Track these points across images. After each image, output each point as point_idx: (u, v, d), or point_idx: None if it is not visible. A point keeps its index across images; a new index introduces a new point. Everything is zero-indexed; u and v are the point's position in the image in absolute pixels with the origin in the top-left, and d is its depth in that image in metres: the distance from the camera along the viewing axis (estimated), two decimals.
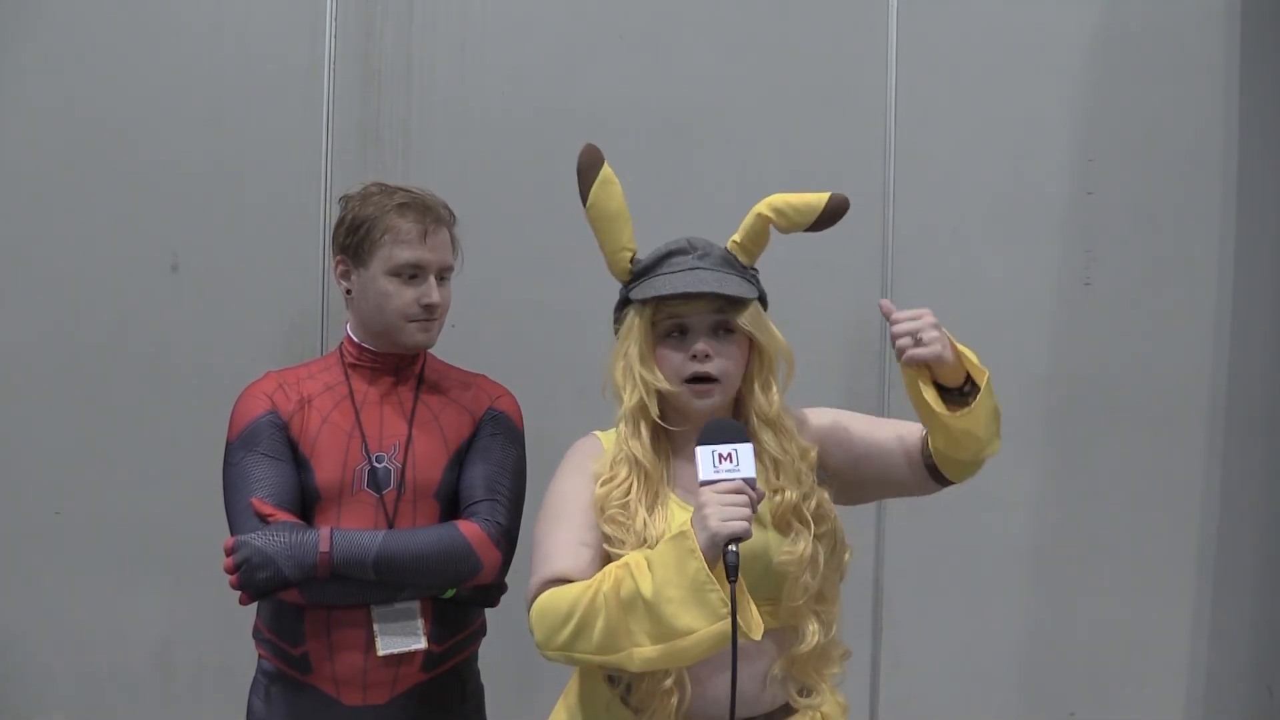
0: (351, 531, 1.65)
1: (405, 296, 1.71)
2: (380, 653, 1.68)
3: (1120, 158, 2.69)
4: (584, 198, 1.52)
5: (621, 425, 1.52)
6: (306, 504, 1.71)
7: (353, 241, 1.72)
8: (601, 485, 1.49)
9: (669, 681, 1.43)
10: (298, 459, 1.71)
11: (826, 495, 1.52)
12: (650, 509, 1.47)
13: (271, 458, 1.69)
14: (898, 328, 1.40)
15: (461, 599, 1.73)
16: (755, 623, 1.31)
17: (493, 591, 1.78)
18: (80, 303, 2.57)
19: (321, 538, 1.62)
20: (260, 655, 1.79)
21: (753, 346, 1.53)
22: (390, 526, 1.70)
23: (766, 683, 1.47)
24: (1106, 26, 2.69)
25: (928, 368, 1.41)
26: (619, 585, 1.34)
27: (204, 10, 2.58)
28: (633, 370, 1.50)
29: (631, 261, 1.54)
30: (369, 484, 1.71)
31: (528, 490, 1.79)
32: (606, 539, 1.46)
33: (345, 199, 1.77)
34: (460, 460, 1.76)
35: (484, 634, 1.87)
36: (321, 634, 1.69)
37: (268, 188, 2.58)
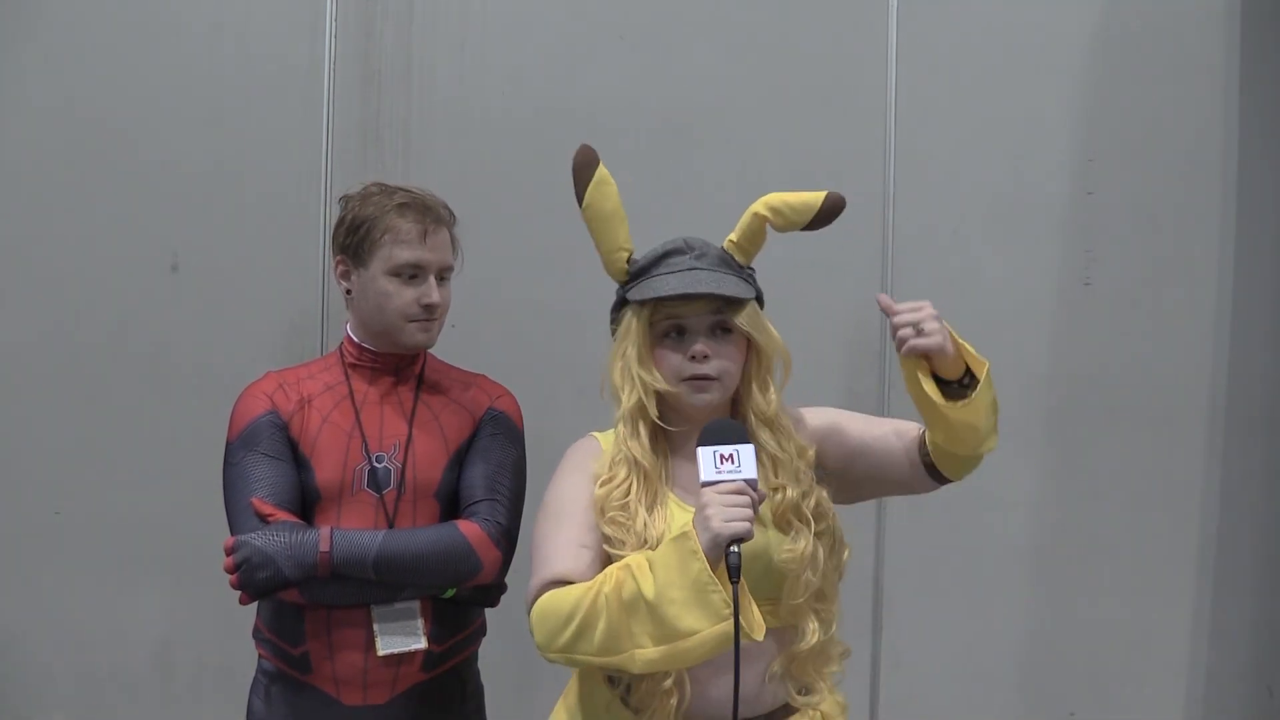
0: (351, 531, 1.65)
1: (405, 296, 1.71)
2: (380, 652, 1.68)
3: (1120, 158, 2.69)
4: (580, 198, 1.52)
5: (620, 426, 1.52)
6: (306, 504, 1.71)
7: (353, 241, 1.72)
8: (601, 486, 1.49)
9: (669, 682, 1.43)
10: (298, 459, 1.71)
11: (825, 493, 1.52)
12: (650, 509, 1.47)
13: (271, 457, 1.69)
14: (899, 319, 1.40)
15: (461, 599, 1.73)
16: (757, 623, 1.31)
17: (493, 591, 1.78)
18: (80, 303, 2.57)
19: (321, 537, 1.62)
20: (260, 655, 1.79)
21: (750, 346, 1.53)
22: (390, 526, 1.70)
23: (766, 681, 1.47)
24: (1106, 26, 2.69)
25: (927, 360, 1.41)
26: (620, 587, 1.34)
27: (204, 10, 2.58)
28: (631, 371, 1.50)
29: (628, 262, 1.54)
30: (369, 484, 1.71)
31: (527, 490, 1.79)
32: (606, 540, 1.46)
33: (345, 199, 1.77)
34: (460, 460, 1.76)
35: (484, 634, 1.87)
36: (321, 634, 1.69)
37: (268, 188, 2.58)
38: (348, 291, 1.76)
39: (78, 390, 2.57)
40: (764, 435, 1.50)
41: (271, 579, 1.60)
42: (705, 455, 1.34)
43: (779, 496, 1.48)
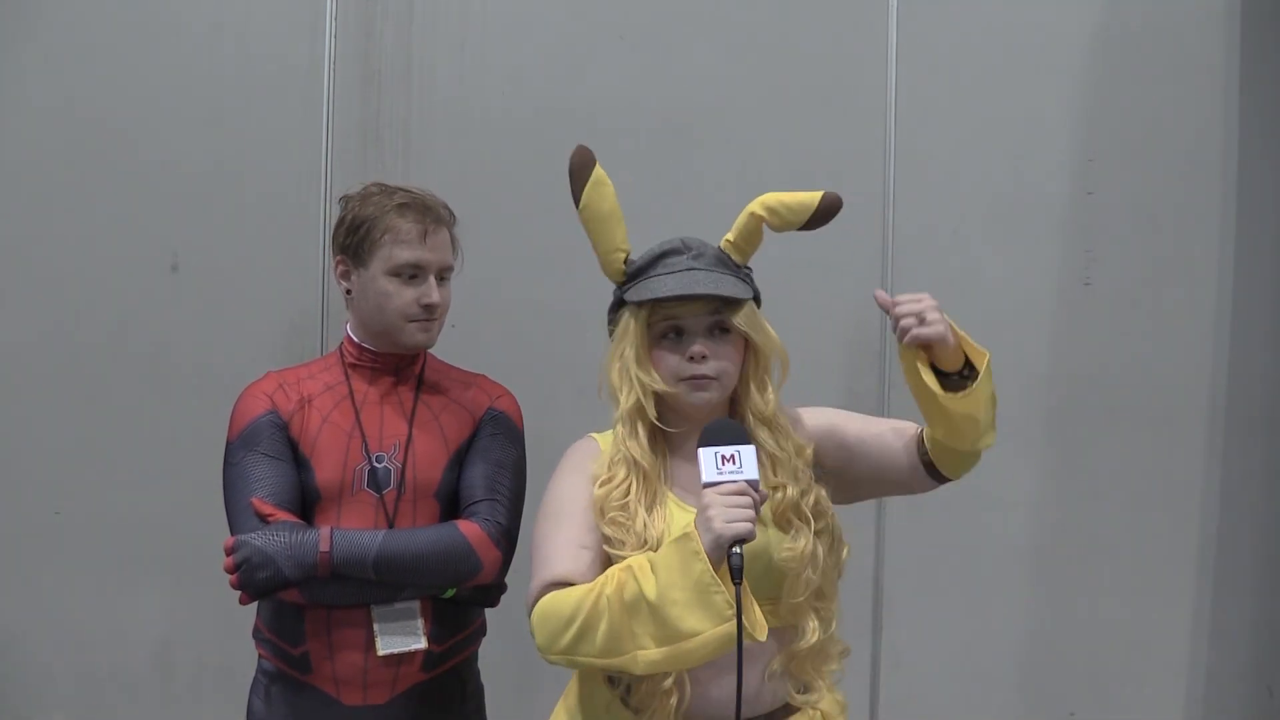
0: (351, 531, 1.65)
1: (405, 296, 1.71)
2: (380, 652, 1.68)
3: (1120, 158, 2.69)
4: (576, 199, 1.52)
5: (619, 426, 1.52)
6: (306, 504, 1.71)
7: (353, 241, 1.72)
8: (600, 486, 1.49)
9: (668, 682, 1.43)
10: (298, 459, 1.71)
11: (824, 491, 1.52)
12: (649, 509, 1.47)
13: (271, 457, 1.69)
14: (901, 309, 1.40)
15: (461, 599, 1.73)
16: (760, 624, 1.32)
17: (493, 591, 1.78)
18: (80, 303, 2.57)
19: (321, 537, 1.62)
20: (260, 655, 1.79)
21: (748, 346, 1.53)
22: (390, 526, 1.70)
23: (766, 680, 1.48)
24: (1106, 26, 2.69)
25: (926, 352, 1.41)
26: (622, 588, 1.34)
27: (204, 10, 2.58)
28: (629, 372, 1.50)
29: (625, 262, 1.54)
30: (369, 484, 1.71)
31: (527, 490, 1.79)
32: (606, 540, 1.45)
33: (345, 199, 1.77)
34: (460, 460, 1.76)
35: (484, 634, 1.87)
36: (321, 634, 1.69)
37: (268, 188, 2.58)
38: (348, 291, 1.76)
39: (78, 390, 2.57)
40: (762, 434, 1.50)
41: (271, 579, 1.60)
42: (706, 456, 1.34)
43: (778, 495, 1.48)
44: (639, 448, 1.49)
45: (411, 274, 1.71)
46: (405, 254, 1.69)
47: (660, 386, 1.49)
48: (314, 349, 2.54)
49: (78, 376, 2.57)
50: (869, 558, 2.66)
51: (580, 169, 1.51)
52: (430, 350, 1.82)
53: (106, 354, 2.57)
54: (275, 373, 1.79)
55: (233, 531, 1.66)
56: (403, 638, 1.69)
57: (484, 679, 1.89)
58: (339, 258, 1.76)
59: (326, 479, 1.70)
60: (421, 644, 1.70)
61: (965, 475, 1.56)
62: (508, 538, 1.73)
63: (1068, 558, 2.70)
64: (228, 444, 1.73)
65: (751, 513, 1.30)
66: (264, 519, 1.63)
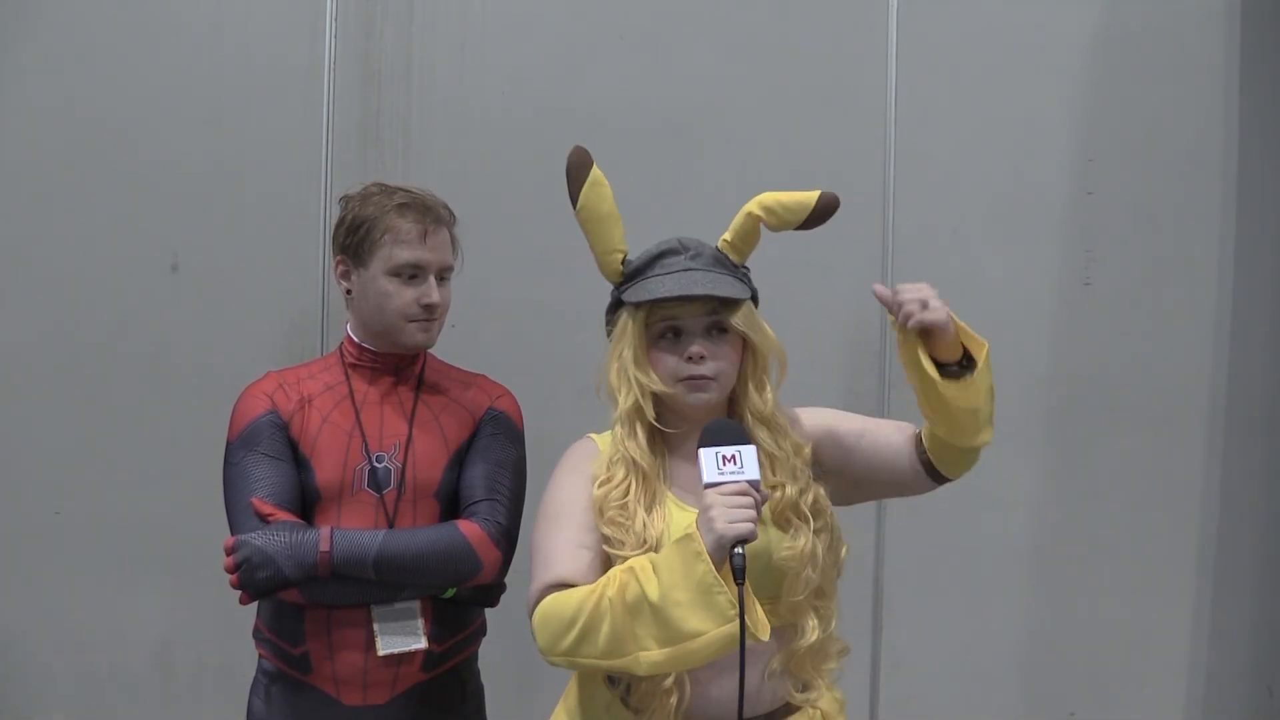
0: (352, 531, 1.65)
1: (405, 296, 1.71)
2: (380, 652, 1.68)
3: (1120, 158, 2.69)
4: (574, 200, 1.51)
5: (617, 427, 1.52)
6: (307, 504, 1.71)
7: (353, 241, 1.72)
8: (599, 487, 1.49)
9: (668, 682, 1.43)
10: (298, 459, 1.71)
11: (822, 490, 1.52)
12: (649, 509, 1.47)
13: (272, 457, 1.69)
14: (904, 296, 1.40)
15: (461, 599, 1.73)
16: (762, 623, 1.32)
17: (493, 591, 1.78)
18: (80, 303, 2.57)
19: (322, 537, 1.62)
20: (260, 655, 1.79)
21: (746, 346, 1.53)
22: (390, 526, 1.70)
23: (766, 679, 1.48)
24: (1106, 26, 2.69)
25: (926, 344, 1.41)
26: (624, 589, 1.34)
27: (204, 10, 2.58)
28: (627, 372, 1.50)
29: (623, 263, 1.54)
30: (369, 484, 1.71)
31: (527, 490, 1.79)
32: (606, 540, 1.45)
33: (345, 199, 1.77)
34: (460, 460, 1.76)
35: (484, 634, 1.87)
36: (321, 634, 1.69)
37: (268, 188, 2.58)
38: (348, 291, 1.76)
39: (78, 390, 2.57)
40: (761, 434, 1.50)
41: (272, 579, 1.60)
42: (707, 457, 1.34)
43: (777, 494, 1.48)
44: (638, 448, 1.49)
45: (411, 274, 1.71)
46: (405, 254, 1.69)
47: (658, 387, 1.49)
48: (314, 349, 2.54)
49: (78, 376, 2.57)
50: (869, 558, 2.66)
51: (577, 170, 1.51)
52: (430, 350, 1.82)
53: (106, 354, 2.57)
54: (275, 373, 1.79)
55: (233, 531, 1.66)
56: (403, 638, 1.69)
57: (484, 679, 1.89)
58: (339, 258, 1.76)
59: (326, 479, 1.70)
60: (421, 644, 1.70)
61: (965, 475, 1.56)
62: (508, 538, 1.73)
63: (1068, 558, 2.70)
64: (228, 444, 1.73)
65: (753, 513, 1.30)
66: (264, 519, 1.63)
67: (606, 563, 1.45)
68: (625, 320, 1.52)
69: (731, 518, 1.29)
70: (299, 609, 1.69)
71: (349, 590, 1.65)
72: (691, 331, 1.49)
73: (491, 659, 1.89)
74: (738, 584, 1.27)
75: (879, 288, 1.45)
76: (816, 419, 1.59)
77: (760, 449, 1.48)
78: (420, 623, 1.70)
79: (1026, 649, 2.71)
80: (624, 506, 1.46)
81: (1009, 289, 2.65)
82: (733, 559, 1.28)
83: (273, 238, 2.58)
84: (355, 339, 1.78)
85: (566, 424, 1.67)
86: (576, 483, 1.51)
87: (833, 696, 1.55)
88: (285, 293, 2.58)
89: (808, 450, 1.54)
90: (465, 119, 2.61)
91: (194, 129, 2.57)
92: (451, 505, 1.75)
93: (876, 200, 2.65)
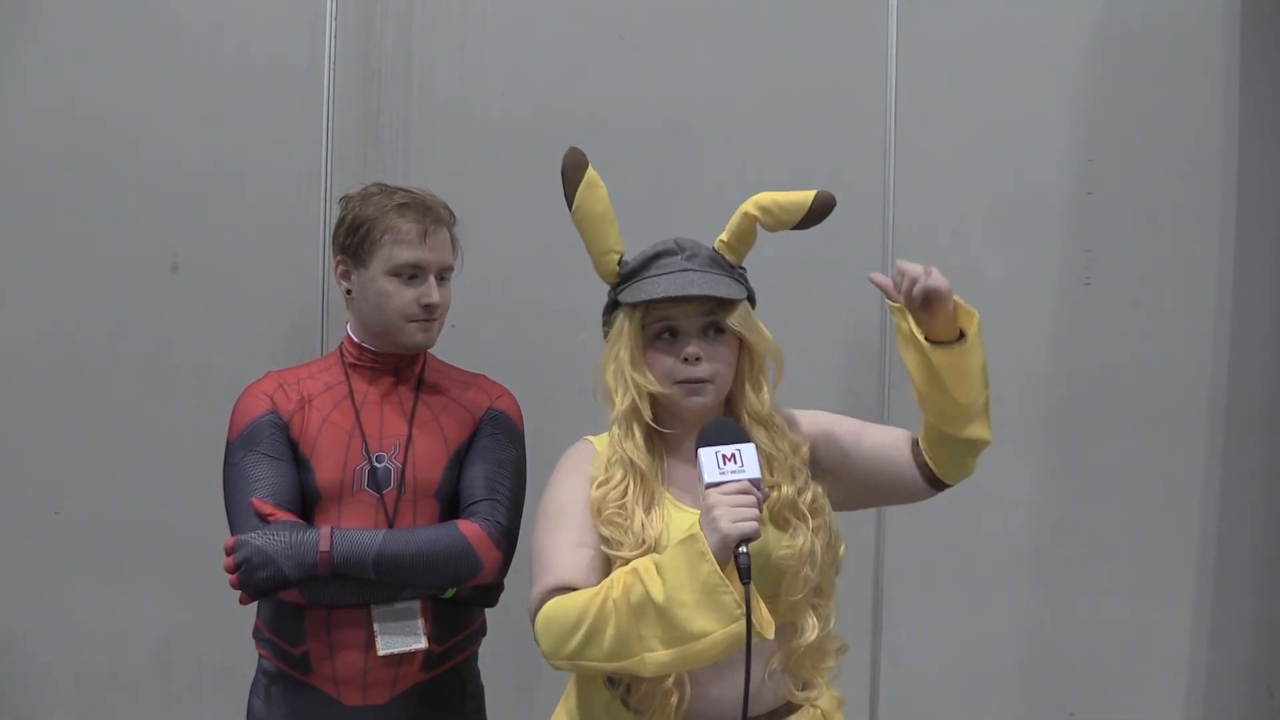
0: (352, 531, 1.65)
1: (405, 296, 1.71)
2: (380, 652, 1.68)
3: (1120, 158, 2.69)
4: (569, 201, 1.52)
5: (615, 428, 1.52)
6: (307, 504, 1.71)
7: (353, 241, 1.72)
8: (597, 488, 1.49)
9: (669, 682, 1.43)
10: (298, 459, 1.71)
11: (821, 489, 1.52)
12: (647, 510, 1.47)
13: (272, 457, 1.69)
14: (908, 268, 1.42)
15: (461, 599, 1.73)
16: (767, 622, 1.32)
17: (493, 591, 1.78)
18: (80, 303, 2.57)
19: (322, 537, 1.62)
20: (260, 655, 1.79)
21: (743, 346, 1.53)
22: (390, 526, 1.70)
23: (766, 679, 1.48)
24: (1106, 26, 2.69)
25: (921, 321, 1.43)
26: (628, 591, 1.33)
27: (204, 10, 2.58)
28: (624, 373, 1.50)
29: (619, 264, 1.54)
30: (369, 484, 1.71)
31: (527, 491, 1.79)
32: (605, 541, 1.45)
33: (345, 199, 1.77)
34: (460, 460, 1.76)
35: (484, 634, 1.87)
36: (321, 634, 1.69)
37: (268, 188, 2.58)
38: (348, 291, 1.76)
39: (78, 390, 2.57)
40: (758, 434, 1.50)
41: (272, 579, 1.60)
42: (707, 456, 1.34)
43: (775, 494, 1.48)
44: (635, 449, 1.49)
45: (411, 274, 1.71)
46: (405, 254, 1.69)
47: (655, 388, 1.49)
48: (314, 349, 2.54)
49: (78, 376, 2.57)
50: (869, 558, 2.66)
51: (573, 170, 1.51)
52: (430, 350, 1.82)
53: (106, 354, 2.57)
54: (275, 373, 1.79)
55: (233, 531, 1.66)
56: (403, 638, 1.69)
57: (484, 679, 1.89)
58: (339, 258, 1.76)
59: (326, 479, 1.70)
60: (421, 644, 1.70)
61: (964, 478, 1.56)
62: (508, 537, 1.73)
63: (1068, 558, 2.70)
64: (228, 444, 1.73)
65: (756, 511, 1.31)
66: (264, 519, 1.63)
67: (607, 563, 1.44)
68: (622, 321, 1.52)
69: (735, 517, 1.29)
70: (299, 609, 1.69)
71: (349, 590, 1.65)
72: (688, 332, 1.49)
73: (491, 659, 1.89)
74: (744, 583, 1.28)
75: (876, 275, 1.47)
76: (814, 420, 1.60)
77: (758, 449, 1.48)
78: (420, 623, 1.70)
79: (1026, 649, 2.71)
80: (622, 507, 1.46)
81: (1009, 289, 2.65)
82: (738, 558, 1.28)
83: (273, 238, 2.58)
84: (355, 339, 1.78)
85: (566, 424, 1.67)
86: (575, 483, 1.51)
87: (832, 695, 1.56)
88: (285, 293, 2.58)
89: (805, 449, 1.54)
90: (465, 119, 2.61)
91: (194, 129, 2.57)
92: (451, 505, 1.75)
93: (876, 200, 2.65)
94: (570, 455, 1.57)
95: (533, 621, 1.42)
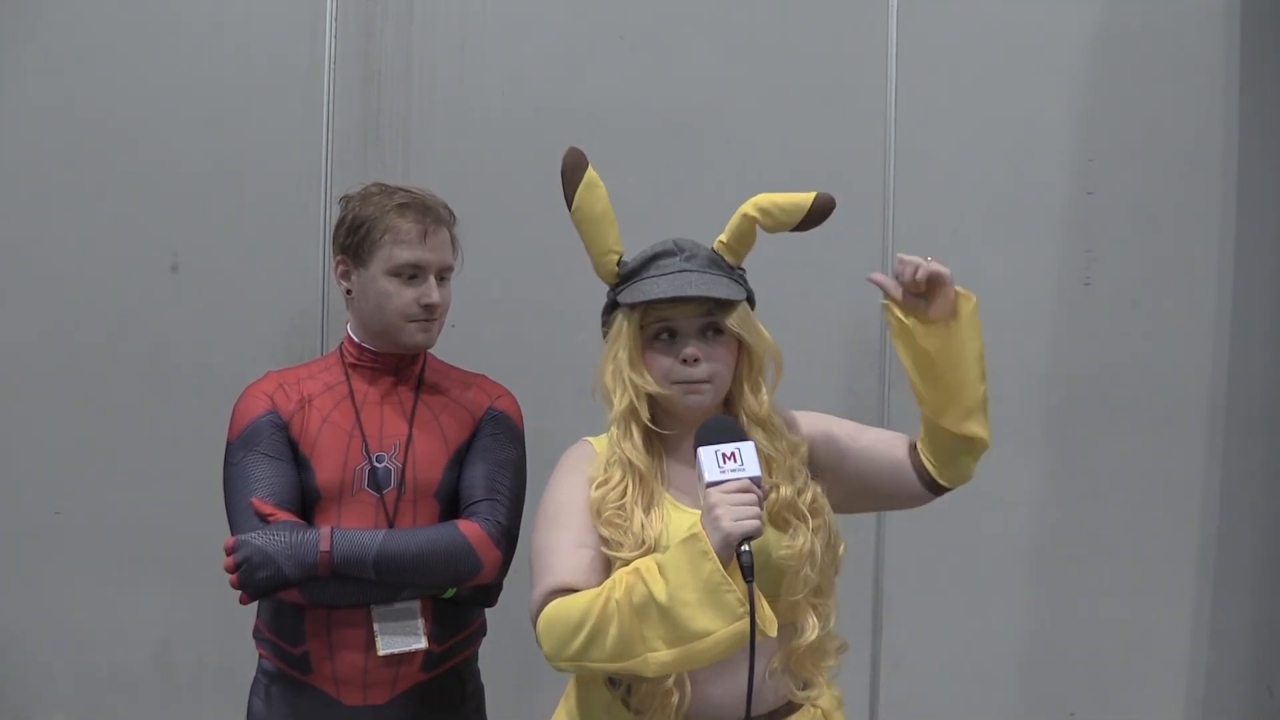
0: (352, 531, 1.65)
1: (405, 296, 1.71)
2: (380, 652, 1.68)
3: (1120, 158, 2.69)
4: (569, 201, 1.52)
5: (613, 428, 1.52)
6: (307, 504, 1.71)
7: (353, 241, 1.72)
8: (596, 488, 1.49)
9: (669, 682, 1.43)
10: (298, 459, 1.71)
11: (820, 489, 1.52)
12: (646, 510, 1.47)
13: (272, 457, 1.69)
14: (907, 257, 1.45)
15: (461, 599, 1.73)
16: (770, 619, 1.32)
17: (492, 591, 1.78)
18: (80, 303, 2.57)
19: (322, 537, 1.62)
20: (260, 655, 1.79)
21: (742, 347, 1.53)
22: (390, 526, 1.70)
23: (767, 678, 1.48)
24: (1106, 26, 2.69)
25: (921, 315, 1.45)
26: (631, 591, 1.33)
27: (204, 10, 2.58)
28: (622, 374, 1.50)
29: (618, 264, 1.54)
30: (369, 484, 1.71)
31: (527, 491, 1.79)
32: (604, 542, 1.45)
33: (345, 199, 1.77)
34: (460, 460, 1.76)
35: (484, 634, 1.87)
36: (322, 634, 1.69)
37: (268, 188, 2.58)
38: (348, 291, 1.76)
39: (78, 390, 2.57)
40: (756, 435, 1.50)
41: (272, 579, 1.60)
42: (707, 455, 1.33)
43: (774, 495, 1.48)
44: (634, 449, 1.49)
45: (411, 274, 1.71)
46: (405, 254, 1.69)
47: (653, 388, 1.49)
48: (314, 349, 2.54)
49: (78, 376, 2.57)
50: (869, 558, 2.66)
51: (572, 171, 1.51)
52: (430, 350, 1.82)
53: (106, 354, 2.57)
54: (275, 373, 1.79)
55: (233, 531, 1.66)
56: (403, 638, 1.69)
57: (484, 679, 1.89)
58: (339, 258, 1.76)
59: (327, 479, 1.70)
60: (422, 644, 1.70)
61: (962, 482, 1.56)
62: (508, 537, 1.73)
63: (1068, 558, 2.70)
64: (228, 444, 1.73)
65: (758, 509, 1.31)
66: (264, 519, 1.63)
67: (607, 563, 1.44)
68: (620, 321, 1.52)
69: (737, 515, 1.29)
70: (299, 609, 1.69)
71: (349, 590, 1.65)
72: (686, 333, 1.49)
73: (491, 659, 1.89)
74: (747, 581, 1.28)
75: (876, 275, 1.48)
76: (813, 422, 1.60)
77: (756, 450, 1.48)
78: (420, 623, 1.70)
79: (1026, 649, 2.71)
80: (621, 508, 1.46)
81: (1009, 289, 2.65)
82: (740, 556, 1.28)
83: (273, 238, 2.58)
84: (355, 339, 1.78)
85: (566, 424, 1.67)
86: (574, 483, 1.51)
87: (832, 694, 1.56)
88: (285, 293, 2.58)
89: (804, 449, 1.54)
90: (465, 119, 2.61)
91: (194, 129, 2.57)
92: (451, 505, 1.75)
93: (876, 200, 2.65)
94: (569, 456, 1.57)
95: (534, 624, 1.42)
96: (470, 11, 2.61)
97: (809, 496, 1.50)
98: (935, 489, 1.55)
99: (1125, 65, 2.69)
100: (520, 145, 2.58)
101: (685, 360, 1.48)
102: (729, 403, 1.55)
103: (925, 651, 2.68)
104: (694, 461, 1.36)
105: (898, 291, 1.47)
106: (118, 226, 2.57)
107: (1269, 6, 2.69)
